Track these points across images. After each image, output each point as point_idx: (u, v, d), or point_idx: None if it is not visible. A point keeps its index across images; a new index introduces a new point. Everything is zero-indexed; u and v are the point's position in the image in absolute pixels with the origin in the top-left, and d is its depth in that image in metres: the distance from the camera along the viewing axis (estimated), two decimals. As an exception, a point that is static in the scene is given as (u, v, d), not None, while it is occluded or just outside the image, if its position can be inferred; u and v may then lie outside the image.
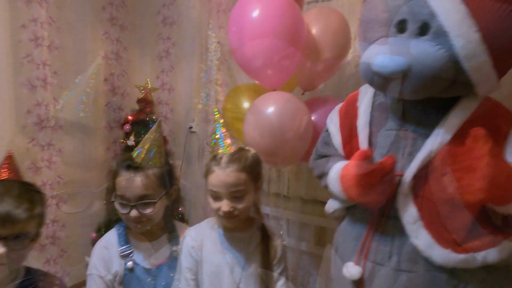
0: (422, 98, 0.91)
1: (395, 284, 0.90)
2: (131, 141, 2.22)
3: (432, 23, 0.81)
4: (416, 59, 0.81)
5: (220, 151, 1.01)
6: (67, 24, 2.12)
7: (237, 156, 0.99)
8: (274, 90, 1.52)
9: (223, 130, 1.03)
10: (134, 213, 1.03)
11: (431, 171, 0.88)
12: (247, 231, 1.08)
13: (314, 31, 1.38)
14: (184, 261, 1.06)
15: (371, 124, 1.00)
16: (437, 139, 0.87)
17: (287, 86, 1.46)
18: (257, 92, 1.56)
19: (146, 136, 1.07)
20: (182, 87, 2.47)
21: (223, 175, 0.96)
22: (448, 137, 0.87)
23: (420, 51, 0.82)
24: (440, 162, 0.87)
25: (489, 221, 0.89)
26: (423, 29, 0.83)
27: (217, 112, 1.07)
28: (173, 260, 1.11)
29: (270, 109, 1.28)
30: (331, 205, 1.11)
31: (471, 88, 0.86)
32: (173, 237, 1.15)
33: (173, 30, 2.47)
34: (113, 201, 1.07)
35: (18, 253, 0.84)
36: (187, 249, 1.07)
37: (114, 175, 1.07)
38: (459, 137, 0.86)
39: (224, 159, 0.98)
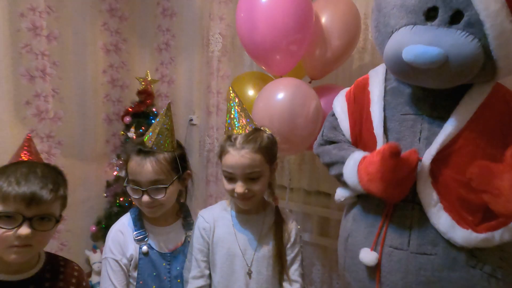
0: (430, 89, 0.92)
1: (414, 267, 0.91)
2: (131, 133, 2.20)
3: (466, 12, 0.80)
4: (452, 50, 0.80)
5: (234, 131, 0.98)
6: (66, 14, 2.09)
7: (253, 137, 0.97)
8: (280, 76, 1.52)
9: (238, 109, 1.00)
10: (145, 198, 1.01)
11: (449, 154, 0.89)
12: (261, 214, 1.07)
13: (324, 19, 1.38)
14: (196, 242, 1.05)
15: (384, 109, 1.00)
16: (454, 123, 0.88)
17: (295, 75, 1.46)
18: (261, 79, 1.56)
19: (157, 119, 1.05)
20: (182, 79, 2.45)
21: (238, 156, 0.94)
22: (465, 121, 0.88)
23: (455, 41, 0.80)
24: (456, 152, 0.88)
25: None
26: (455, 18, 0.82)
27: (232, 91, 1.03)
28: (187, 245, 1.10)
29: (280, 95, 1.28)
30: (342, 194, 1.10)
31: (496, 74, 0.87)
32: (188, 222, 1.14)
33: (172, 22, 2.44)
34: (125, 186, 1.05)
35: (43, 234, 0.82)
36: (198, 230, 1.06)
37: (126, 159, 1.06)
38: (475, 121, 0.88)
39: (239, 140, 0.96)
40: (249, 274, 1.01)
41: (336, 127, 1.12)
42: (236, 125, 0.99)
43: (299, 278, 1.05)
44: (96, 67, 2.30)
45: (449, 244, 0.89)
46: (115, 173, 2.26)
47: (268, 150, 0.98)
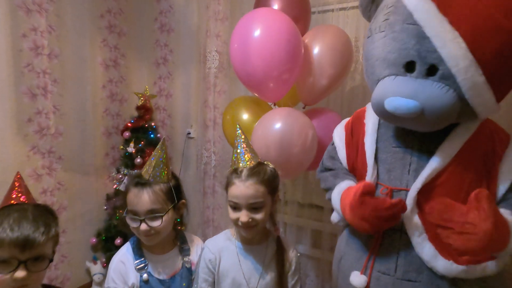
0: None
1: None
2: (131, 148, 2.26)
3: (440, 66, 0.87)
4: (427, 102, 0.87)
5: (240, 165, 1.06)
6: (66, 32, 2.14)
7: (257, 170, 1.04)
8: (274, 103, 1.59)
9: (244, 145, 1.08)
10: (143, 226, 1.07)
11: (435, 187, 0.96)
12: (263, 244, 1.12)
13: (315, 49, 1.45)
14: (201, 272, 1.11)
15: (377, 140, 1.06)
16: (440, 158, 0.95)
17: (290, 100, 1.53)
18: (256, 104, 1.62)
19: (153, 153, 1.12)
20: (180, 93, 2.51)
21: (243, 187, 1.01)
22: (450, 156, 0.95)
23: (430, 93, 0.87)
24: (440, 186, 0.95)
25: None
26: (431, 71, 0.89)
27: (239, 128, 1.11)
28: (184, 270, 1.17)
29: (278, 125, 1.35)
30: (335, 217, 1.17)
31: (476, 116, 0.94)
32: (184, 249, 1.20)
33: (170, 37, 2.51)
34: (124, 216, 1.11)
35: (38, 274, 0.86)
36: (204, 261, 1.10)
37: (125, 191, 1.12)
38: (460, 156, 0.94)
39: (245, 172, 1.03)
40: None
41: (334, 156, 1.21)
42: (242, 160, 1.06)
43: None
44: (95, 82, 2.35)
45: (433, 272, 0.94)
46: (114, 186, 2.31)
47: (271, 182, 1.05)
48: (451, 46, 0.85)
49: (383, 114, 0.96)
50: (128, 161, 2.27)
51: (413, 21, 0.89)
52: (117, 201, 2.24)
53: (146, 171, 1.10)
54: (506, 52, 0.85)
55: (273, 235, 1.15)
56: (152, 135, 2.32)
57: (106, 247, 2.26)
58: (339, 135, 1.19)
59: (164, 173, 1.11)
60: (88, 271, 2.33)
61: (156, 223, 1.08)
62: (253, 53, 1.34)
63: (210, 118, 2.32)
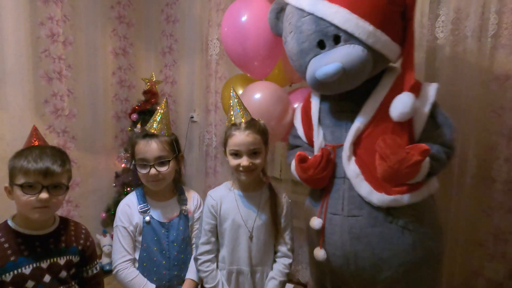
0: (348, 92, 1.18)
1: (347, 227, 1.17)
2: (138, 129, 2.42)
3: (340, 34, 1.10)
4: (345, 59, 1.09)
5: (237, 120, 1.23)
6: (79, 22, 2.33)
7: (253, 122, 1.23)
8: (262, 79, 1.75)
9: (238, 104, 1.26)
10: (153, 171, 1.25)
11: (364, 138, 1.17)
12: (258, 191, 1.30)
13: None
14: (205, 216, 1.30)
15: (320, 111, 1.29)
16: (364, 114, 1.16)
17: (278, 78, 1.68)
18: (248, 81, 1.78)
19: (157, 111, 1.32)
20: (184, 80, 2.68)
21: (243, 135, 1.19)
22: (373, 111, 1.15)
23: (344, 53, 1.10)
24: (369, 136, 1.16)
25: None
26: (336, 40, 1.12)
27: (233, 91, 1.28)
28: (182, 216, 1.35)
29: (257, 96, 1.53)
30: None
31: (387, 59, 1.16)
32: (182, 199, 1.38)
33: (175, 28, 2.67)
34: (134, 164, 1.29)
35: (57, 198, 1.06)
36: (207, 207, 1.29)
37: (132, 145, 1.31)
38: (381, 110, 1.15)
39: (243, 124, 1.21)
40: (251, 238, 1.25)
41: (295, 135, 1.43)
42: (238, 116, 1.24)
43: (290, 241, 1.32)
44: (106, 69, 2.54)
45: (371, 206, 1.14)
46: (123, 165, 2.49)
47: (265, 133, 1.25)
48: (338, 17, 1.09)
49: (320, 86, 1.17)
50: (135, 141, 2.44)
51: (306, 13, 1.15)
52: (125, 178, 2.41)
53: (152, 126, 1.29)
54: (377, 4, 1.08)
55: (266, 183, 1.32)
56: (157, 118, 2.49)
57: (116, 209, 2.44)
58: (296, 117, 1.41)
59: (167, 127, 1.30)
60: (98, 244, 2.51)
61: (164, 168, 1.27)
62: (239, 35, 1.53)
63: (212, 102, 2.47)
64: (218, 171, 2.54)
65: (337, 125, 1.23)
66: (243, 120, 1.23)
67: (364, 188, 1.15)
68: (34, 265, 1.06)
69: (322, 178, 1.21)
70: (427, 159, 1.08)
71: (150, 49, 2.79)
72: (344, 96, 1.21)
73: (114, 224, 1.33)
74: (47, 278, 1.08)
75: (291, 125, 1.48)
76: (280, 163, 2.27)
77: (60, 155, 1.09)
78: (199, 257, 1.28)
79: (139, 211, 1.30)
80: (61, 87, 2.26)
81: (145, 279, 1.29)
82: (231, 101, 1.25)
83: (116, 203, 2.48)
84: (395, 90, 1.14)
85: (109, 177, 2.57)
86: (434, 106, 1.15)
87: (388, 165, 1.05)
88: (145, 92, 2.53)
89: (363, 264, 1.17)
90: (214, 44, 2.40)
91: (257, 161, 1.22)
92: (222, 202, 1.28)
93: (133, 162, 1.31)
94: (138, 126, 2.42)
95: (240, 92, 1.68)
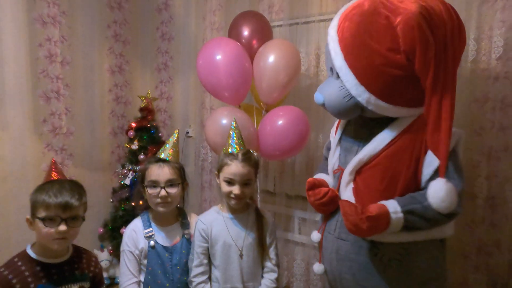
0: (369, 119, 1.23)
1: (335, 247, 1.25)
2: (135, 146, 2.48)
3: (333, 70, 1.19)
4: (327, 95, 1.20)
5: (234, 150, 1.33)
6: (77, 42, 2.38)
7: (248, 155, 1.33)
8: (239, 105, 2.01)
9: (237, 135, 1.36)
10: (163, 192, 1.34)
11: (367, 169, 1.19)
12: (245, 213, 1.39)
13: (270, 59, 1.83)
14: (196, 240, 1.37)
15: (343, 132, 1.36)
16: (373, 145, 1.18)
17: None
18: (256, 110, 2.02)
19: (168, 140, 1.46)
20: (179, 96, 2.74)
21: (239, 166, 1.29)
22: (382, 144, 1.16)
23: (330, 89, 1.20)
24: (372, 168, 1.19)
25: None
26: (336, 74, 1.19)
27: (234, 121, 1.39)
28: (184, 240, 1.43)
29: (224, 121, 1.79)
30: (314, 237, 1.44)
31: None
32: (185, 223, 1.47)
33: (170, 45, 2.74)
34: (145, 186, 1.38)
35: (74, 230, 1.16)
36: (198, 231, 1.38)
37: (144, 169, 1.41)
38: (391, 146, 1.15)
39: (240, 156, 1.31)
40: (241, 256, 1.34)
41: (329, 148, 1.47)
42: (234, 146, 1.34)
43: (275, 257, 1.42)
44: (102, 87, 2.59)
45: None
46: (120, 180, 2.53)
47: (257, 166, 1.36)
48: (335, 56, 1.17)
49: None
50: (132, 157, 2.49)
51: (327, 43, 1.24)
52: (122, 194, 2.46)
53: (163, 153, 1.40)
54: (371, 63, 1.10)
55: (252, 206, 1.42)
56: (154, 134, 2.55)
57: (113, 236, 2.48)
58: (332, 132, 1.47)
59: (177, 155, 1.43)
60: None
61: (173, 190, 1.37)
62: (212, 68, 1.81)
63: (207, 118, 2.54)
64: (214, 185, 2.60)
65: (350, 149, 1.27)
66: (240, 151, 1.31)
67: None
68: None
69: (322, 210, 1.29)
70: (400, 215, 1.06)
71: (145, 66, 2.85)
72: (363, 123, 1.25)
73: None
74: None
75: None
76: (274, 177, 2.34)
77: (77, 189, 1.17)
78: (193, 279, 1.35)
79: (144, 236, 1.37)
80: (59, 106, 2.30)
81: None
82: (230, 131, 1.34)
83: (113, 218, 2.53)
84: (414, 130, 1.13)
85: (106, 193, 2.61)
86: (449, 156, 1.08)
87: (347, 226, 1.09)
88: (141, 109, 2.59)
89: (347, 286, 1.23)
90: (209, 62, 2.47)
91: (247, 190, 1.32)
92: (212, 225, 1.36)
93: (143, 184, 1.40)
94: (135, 142, 2.48)
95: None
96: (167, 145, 1.44)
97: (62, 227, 1.10)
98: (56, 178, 1.20)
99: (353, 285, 1.22)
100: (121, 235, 2.41)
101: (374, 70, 1.09)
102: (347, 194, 1.22)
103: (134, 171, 2.46)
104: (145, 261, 1.37)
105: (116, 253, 2.51)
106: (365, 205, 1.13)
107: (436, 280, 1.18)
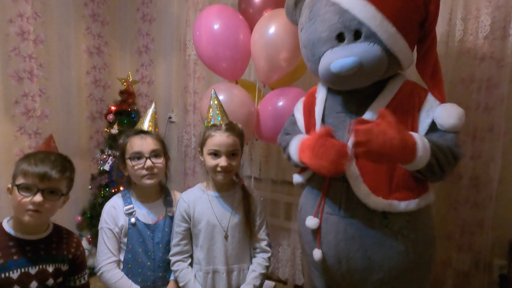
0: (361, 89, 1.19)
1: (342, 227, 1.19)
2: (114, 130, 2.38)
3: (362, 29, 1.10)
4: (363, 55, 1.09)
5: (217, 121, 1.27)
6: (51, 19, 2.25)
7: (232, 125, 1.27)
8: (236, 81, 1.87)
9: (218, 106, 1.30)
10: (149, 162, 1.28)
11: None
12: (231, 191, 1.33)
13: (271, 30, 1.61)
14: (176, 219, 1.31)
15: (324, 109, 1.29)
16: (368, 117, 1.15)
17: (283, 81, 1.78)
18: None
19: (147, 113, 1.38)
20: (161, 80, 2.65)
21: (224, 136, 1.22)
22: (376, 114, 1.12)
23: (363, 50, 1.10)
24: None
25: (412, 180, 1.16)
26: (356, 36, 1.12)
27: (214, 93, 1.32)
28: (167, 218, 1.35)
29: (221, 96, 1.60)
30: (296, 179, 1.40)
31: (400, 65, 1.17)
32: (168, 200, 1.39)
33: (152, 27, 2.64)
34: (126, 160, 1.31)
35: (51, 204, 1.07)
36: (179, 210, 1.31)
37: (124, 143, 1.33)
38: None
39: (223, 126, 1.24)
40: (226, 237, 1.28)
41: (295, 123, 1.42)
42: (217, 118, 1.27)
43: (266, 237, 1.35)
44: (79, 69, 2.47)
45: (367, 209, 1.15)
46: (99, 167, 2.43)
47: (242, 137, 1.29)
48: (364, 11, 1.09)
49: (332, 78, 1.17)
50: (112, 142, 2.39)
51: (332, 2, 1.14)
52: (101, 180, 2.36)
53: (142, 125, 1.35)
54: (403, 7, 1.11)
55: (239, 184, 1.35)
56: (135, 118, 2.45)
57: (92, 224, 2.39)
58: (298, 110, 1.41)
59: (156, 128, 1.37)
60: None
61: (159, 160, 1.31)
62: (209, 39, 1.67)
63: (190, 103, 2.46)
64: (197, 171, 2.54)
65: (339, 125, 1.22)
66: (223, 122, 1.25)
67: (362, 190, 1.15)
68: (22, 270, 1.06)
69: (337, 164, 1.10)
70: (426, 142, 1.05)
71: (125, 48, 2.73)
72: (350, 97, 1.23)
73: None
74: (33, 284, 1.07)
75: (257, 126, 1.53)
76: (260, 162, 2.30)
77: (62, 161, 1.10)
78: (171, 258, 1.30)
79: (124, 213, 1.30)
80: (32, 87, 2.17)
81: (130, 281, 1.28)
82: (210, 102, 1.27)
83: (92, 206, 2.43)
84: (401, 96, 1.17)
85: (84, 180, 2.50)
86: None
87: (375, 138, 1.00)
88: (121, 92, 2.48)
89: (355, 265, 1.19)
90: (192, 44, 2.38)
91: (234, 162, 1.25)
92: (196, 204, 1.30)
93: (124, 158, 1.32)
94: (115, 127, 2.38)
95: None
96: (145, 118, 1.38)
97: (38, 198, 1.02)
98: (45, 149, 1.14)
99: (362, 264, 1.18)
100: (100, 223, 2.34)
101: (407, 14, 1.12)
102: (351, 168, 1.16)
103: (114, 157, 2.36)
104: (125, 239, 1.30)
105: (95, 242, 2.42)
106: (372, 177, 1.15)
107: (433, 241, 1.23)
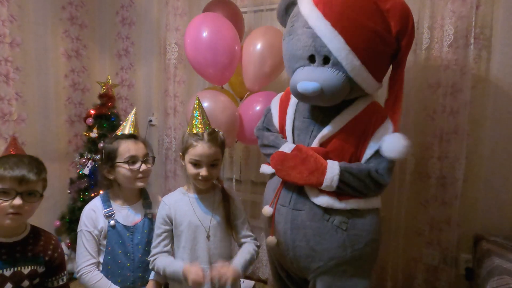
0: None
1: (290, 218, 1.33)
2: (94, 134, 2.37)
3: (331, 56, 1.21)
4: (325, 82, 1.20)
5: (199, 130, 1.27)
6: (28, 22, 2.22)
7: (214, 135, 1.28)
8: (221, 87, 1.92)
9: (200, 113, 1.30)
10: (144, 166, 1.34)
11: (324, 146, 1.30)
12: (211, 193, 1.36)
13: (258, 45, 1.78)
14: (157, 221, 1.34)
15: (295, 112, 1.41)
16: (331, 128, 1.30)
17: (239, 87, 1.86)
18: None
19: (128, 119, 1.42)
20: (141, 83, 2.66)
21: (205, 147, 1.24)
22: (339, 127, 1.29)
23: (326, 76, 1.20)
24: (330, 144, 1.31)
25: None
26: (325, 61, 1.23)
27: (197, 99, 1.33)
28: (146, 220, 1.39)
29: (206, 103, 1.70)
30: (265, 169, 1.50)
31: (363, 91, 1.28)
32: (147, 203, 1.42)
33: (132, 30, 2.64)
34: (123, 162, 1.32)
35: (30, 205, 1.08)
36: (160, 212, 1.34)
37: (115, 147, 1.34)
38: (346, 128, 1.29)
39: (206, 136, 1.25)
40: (208, 237, 1.31)
41: (271, 119, 1.53)
42: (199, 126, 1.28)
43: (250, 232, 1.39)
44: (57, 72, 2.44)
45: (313, 204, 1.30)
46: (78, 170, 2.41)
47: (223, 146, 1.32)
48: (334, 42, 1.19)
49: (297, 95, 1.29)
50: (91, 146, 2.38)
51: (308, 25, 1.23)
52: (80, 184, 2.35)
53: (127, 130, 1.39)
54: (372, 43, 1.20)
55: (218, 186, 1.39)
56: (115, 122, 2.45)
57: (70, 228, 2.36)
58: (275, 105, 1.52)
59: (138, 132, 1.43)
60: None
61: (149, 165, 1.38)
62: (200, 47, 1.72)
63: (170, 106, 2.48)
64: (178, 175, 2.55)
65: (304, 129, 1.36)
66: (205, 131, 1.27)
67: (312, 190, 1.30)
68: None
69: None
70: (337, 166, 1.24)
71: (105, 51, 2.73)
72: (318, 107, 1.34)
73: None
74: (8, 286, 1.07)
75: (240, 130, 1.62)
76: (240, 164, 2.34)
77: (36, 163, 1.11)
78: (149, 259, 1.32)
79: (104, 216, 1.32)
80: (9, 91, 2.14)
81: (109, 282, 1.30)
82: (193, 110, 1.30)
83: (71, 210, 2.41)
84: (365, 115, 1.29)
85: (63, 184, 2.47)
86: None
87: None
88: (101, 96, 2.47)
89: (300, 253, 1.33)
90: (172, 48, 2.41)
91: (214, 172, 1.30)
92: (177, 206, 1.33)
93: (114, 162, 1.34)
94: (94, 130, 2.37)
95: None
96: (127, 123, 1.41)
97: (17, 201, 1.03)
98: (14, 153, 1.13)
99: (305, 252, 1.32)
100: (80, 228, 2.32)
101: (375, 50, 1.21)
102: None
103: (94, 160, 2.35)
104: (104, 242, 1.32)
105: (74, 246, 2.39)
106: None
107: (375, 241, 1.34)
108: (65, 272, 1.23)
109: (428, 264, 1.83)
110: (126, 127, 1.40)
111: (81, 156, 2.40)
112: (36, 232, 1.17)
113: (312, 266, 1.34)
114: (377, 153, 1.27)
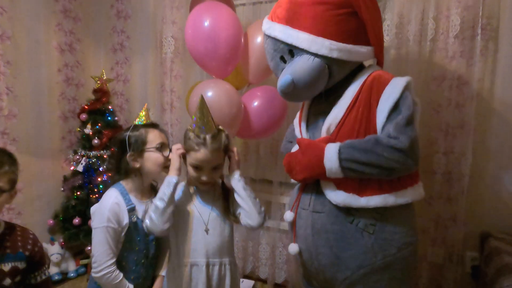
0: (330, 88, 1.25)
1: (310, 222, 1.22)
2: (88, 129, 2.31)
3: (293, 48, 1.20)
4: (294, 70, 1.17)
5: (202, 130, 1.19)
6: (19, 14, 2.15)
7: (218, 138, 1.21)
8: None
9: (205, 113, 1.20)
10: (165, 154, 1.32)
11: (335, 137, 1.19)
12: (211, 186, 1.32)
13: (258, 39, 1.74)
14: None
15: (308, 113, 1.36)
16: (334, 115, 1.20)
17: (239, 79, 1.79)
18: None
19: (144, 113, 1.40)
20: (137, 78, 2.59)
21: (208, 153, 1.18)
22: (342, 111, 1.19)
23: (295, 65, 1.18)
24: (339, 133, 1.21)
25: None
26: (291, 54, 1.22)
27: (202, 98, 1.22)
28: None
29: (209, 93, 1.63)
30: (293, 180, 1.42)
31: (350, 62, 1.19)
32: None
33: (127, 24, 2.57)
34: (154, 148, 1.30)
35: None
36: None
37: (144, 133, 1.31)
38: (351, 109, 1.18)
39: (208, 141, 1.19)
40: (206, 231, 1.27)
41: (292, 133, 1.47)
42: (203, 126, 1.20)
43: None
44: (50, 66, 2.37)
45: (333, 205, 1.17)
46: (71, 167, 2.34)
47: (227, 147, 1.25)
48: (281, 34, 1.21)
49: (284, 96, 1.25)
50: (85, 142, 2.31)
51: (267, 36, 1.29)
52: (74, 181, 2.28)
53: (145, 119, 1.37)
54: (320, 19, 1.16)
55: (219, 180, 1.35)
56: (109, 118, 2.38)
57: (64, 227, 2.30)
58: (296, 119, 1.44)
59: None
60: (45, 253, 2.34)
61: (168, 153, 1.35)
62: (202, 38, 1.64)
63: (167, 101, 2.41)
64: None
65: (315, 126, 1.28)
66: (208, 134, 1.20)
67: (328, 185, 1.18)
68: None
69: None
70: (335, 145, 1.12)
71: (99, 45, 2.65)
72: (323, 99, 1.28)
73: (101, 224, 1.23)
74: None
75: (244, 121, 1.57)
76: (255, 163, 2.27)
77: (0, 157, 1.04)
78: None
79: (127, 211, 1.28)
80: (-1, 85, 2.08)
81: (127, 282, 1.28)
82: (197, 110, 1.20)
83: (65, 208, 2.34)
84: (366, 87, 1.17)
85: (56, 181, 2.40)
86: (399, 99, 1.12)
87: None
88: (95, 91, 2.41)
89: (324, 261, 1.20)
90: (168, 42, 2.35)
91: (216, 175, 1.26)
92: (178, 200, 1.28)
93: (147, 148, 1.30)
94: (88, 126, 2.30)
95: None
96: (143, 116, 1.38)
97: None
98: None
99: (330, 260, 1.18)
100: (73, 226, 2.26)
101: (318, 17, 1.16)
102: None
103: (88, 157, 2.28)
104: (122, 237, 1.28)
105: (68, 246, 2.34)
106: None
107: (410, 244, 1.17)
108: (46, 267, 1.19)
109: (433, 263, 1.78)
110: (142, 116, 1.37)
111: (75, 152, 2.33)
112: (11, 228, 1.13)
113: (339, 276, 1.18)
114: (388, 119, 1.11)
